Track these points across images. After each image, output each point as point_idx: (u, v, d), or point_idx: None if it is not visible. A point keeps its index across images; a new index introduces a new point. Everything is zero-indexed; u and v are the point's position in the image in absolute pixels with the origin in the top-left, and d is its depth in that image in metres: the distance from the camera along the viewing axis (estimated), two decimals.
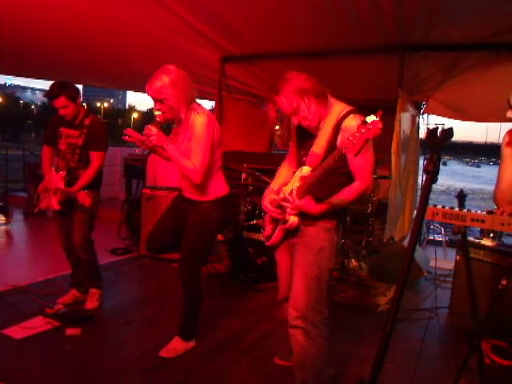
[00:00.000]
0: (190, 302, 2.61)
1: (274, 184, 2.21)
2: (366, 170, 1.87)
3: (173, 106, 2.25)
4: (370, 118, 1.49)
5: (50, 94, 2.90)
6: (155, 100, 2.26)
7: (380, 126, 1.47)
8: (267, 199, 2.14)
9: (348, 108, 1.87)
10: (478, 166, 60.04)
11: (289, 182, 2.08)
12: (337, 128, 1.83)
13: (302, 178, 1.92)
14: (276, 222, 2.12)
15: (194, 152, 2.29)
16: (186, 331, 2.67)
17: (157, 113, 2.30)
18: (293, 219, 1.97)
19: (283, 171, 2.24)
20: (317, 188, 1.86)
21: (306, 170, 1.92)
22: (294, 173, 2.05)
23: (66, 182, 3.01)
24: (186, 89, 2.26)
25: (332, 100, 1.93)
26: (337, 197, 1.89)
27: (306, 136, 2.02)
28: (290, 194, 1.94)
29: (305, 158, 1.99)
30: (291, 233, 2.06)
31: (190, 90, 2.31)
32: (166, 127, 2.42)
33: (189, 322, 2.67)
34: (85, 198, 2.87)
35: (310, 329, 1.94)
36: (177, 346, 2.64)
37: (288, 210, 1.96)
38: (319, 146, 1.89)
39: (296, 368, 2.03)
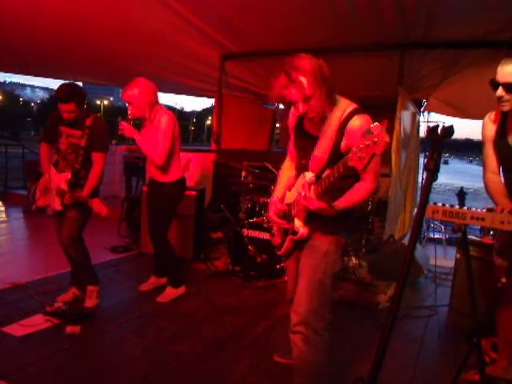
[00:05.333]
0: (164, 257, 3.42)
1: (278, 191, 2.13)
2: (374, 173, 1.77)
3: (139, 108, 3.04)
4: (376, 129, 1.40)
5: (60, 97, 2.82)
6: (128, 103, 3.06)
7: (387, 139, 1.39)
8: (272, 210, 2.06)
9: (352, 106, 1.76)
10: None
11: (292, 186, 2.01)
12: (341, 130, 1.73)
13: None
14: (285, 230, 2.06)
15: (159, 141, 3.05)
16: (173, 279, 3.43)
17: (128, 112, 3.09)
18: (302, 231, 1.89)
19: (285, 174, 2.17)
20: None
21: (309, 175, 1.80)
22: (297, 177, 1.97)
23: (71, 183, 2.96)
24: (150, 96, 3.05)
25: (336, 96, 1.80)
26: (348, 199, 1.79)
27: (304, 136, 1.93)
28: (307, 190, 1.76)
29: (304, 161, 1.91)
30: (302, 241, 1.98)
31: (154, 97, 3.09)
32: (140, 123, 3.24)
33: (172, 272, 3.44)
34: (100, 207, 2.78)
35: (311, 335, 1.88)
36: (169, 292, 3.38)
37: (305, 206, 1.77)
38: (322, 149, 1.79)
39: (295, 372, 2.00)
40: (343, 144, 1.73)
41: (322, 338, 1.91)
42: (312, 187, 1.72)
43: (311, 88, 1.68)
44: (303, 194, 1.73)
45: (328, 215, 1.79)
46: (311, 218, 1.88)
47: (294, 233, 1.94)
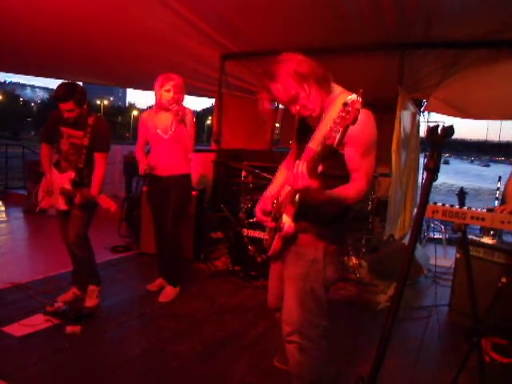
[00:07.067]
0: (176, 256, 3.43)
1: (272, 188, 2.07)
2: (365, 173, 1.64)
3: (180, 99, 3.21)
4: (351, 98, 1.27)
5: (58, 96, 2.80)
6: (175, 93, 3.17)
7: (358, 105, 1.24)
8: (259, 206, 2.00)
9: None
10: (488, 166, 58.29)
11: (284, 185, 1.90)
12: None
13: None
14: (274, 230, 1.95)
15: (189, 131, 3.21)
16: (175, 279, 3.47)
17: (167, 100, 3.14)
18: (288, 225, 1.76)
19: (282, 171, 2.10)
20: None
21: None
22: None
23: (74, 182, 2.96)
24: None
25: (337, 88, 1.70)
26: (336, 191, 1.61)
27: (306, 130, 1.84)
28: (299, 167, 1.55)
29: (301, 154, 1.82)
30: (290, 240, 1.87)
31: None
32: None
33: (176, 272, 3.49)
34: (109, 203, 2.79)
35: (306, 344, 1.82)
36: (171, 291, 3.42)
37: (299, 181, 1.49)
38: (316, 140, 1.64)
39: (293, 377, 1.96)
40: None
41: (318, 346, 1.84)
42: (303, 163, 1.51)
43: (290, 91, 1.62)
44: (295, 170, 1.51)
45: (315, 213, 1.70)
46: (300, 215, 1.75)
47: (280, 229, 1.80)
